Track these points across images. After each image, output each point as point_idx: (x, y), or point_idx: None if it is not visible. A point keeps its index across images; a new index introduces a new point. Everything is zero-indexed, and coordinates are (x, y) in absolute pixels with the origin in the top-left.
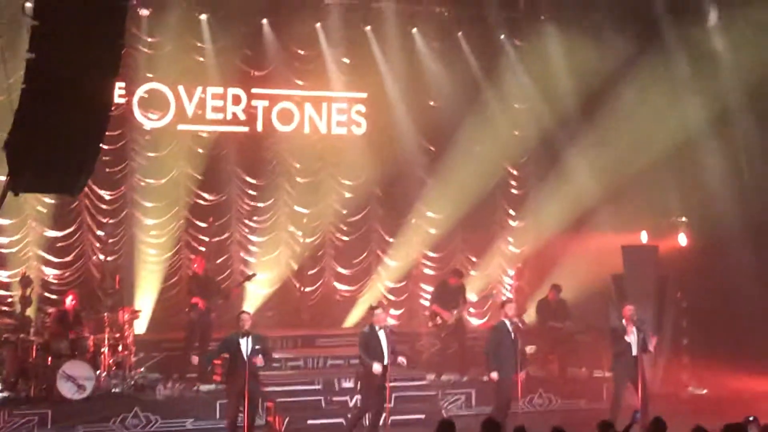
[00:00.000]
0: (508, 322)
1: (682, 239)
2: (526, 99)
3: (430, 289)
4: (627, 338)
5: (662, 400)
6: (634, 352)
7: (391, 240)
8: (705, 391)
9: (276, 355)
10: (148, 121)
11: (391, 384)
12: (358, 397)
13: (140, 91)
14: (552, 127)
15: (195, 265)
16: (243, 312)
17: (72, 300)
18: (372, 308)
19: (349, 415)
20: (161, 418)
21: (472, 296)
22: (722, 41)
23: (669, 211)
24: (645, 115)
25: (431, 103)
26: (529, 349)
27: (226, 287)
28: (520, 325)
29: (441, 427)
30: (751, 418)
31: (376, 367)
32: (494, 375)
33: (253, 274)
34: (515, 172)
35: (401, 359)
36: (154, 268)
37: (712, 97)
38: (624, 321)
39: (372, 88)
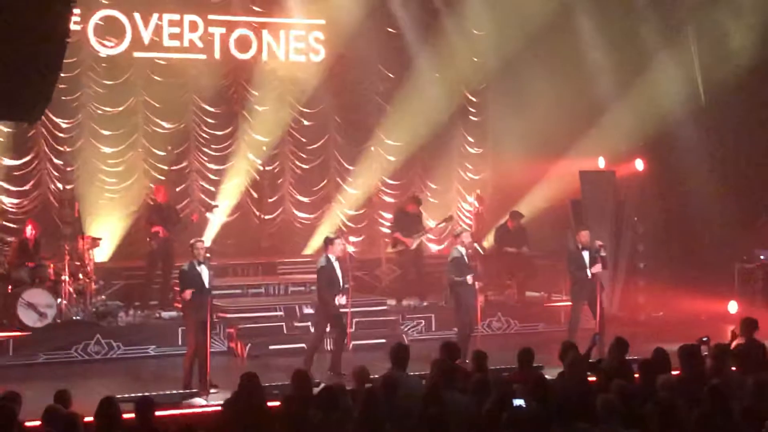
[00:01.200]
0: (462, 250)
1: (639, 164)
2: (485, 25)
3: (390, 216)
4: (582, 262)
5: (619, 322)
6: (590, 275)
7: (350, 167)
8: (661, 314)
9: (237, 282)
10: (103, 49)
11: (352, 309)
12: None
13: (95, 18)
14: (511, 54)
15: (157, 194)
16: (197, 240)
17: (32, 229)
18: (328, 239)
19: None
20: (123, 345)
21: (430, 222)
22: None
23: (626, 137)
24: (603, 41)
25: (390, 29)
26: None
27: (186, 215)
28: (480, 250)
29: (395, 349)
30: (704, 339)
31: (340, 301)
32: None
33: (216, 205)
34: (474, 99)
35: (341, 300)
36: (113, 196)
37: (668, 21)
38: (580, 245)
39: (330, 15)
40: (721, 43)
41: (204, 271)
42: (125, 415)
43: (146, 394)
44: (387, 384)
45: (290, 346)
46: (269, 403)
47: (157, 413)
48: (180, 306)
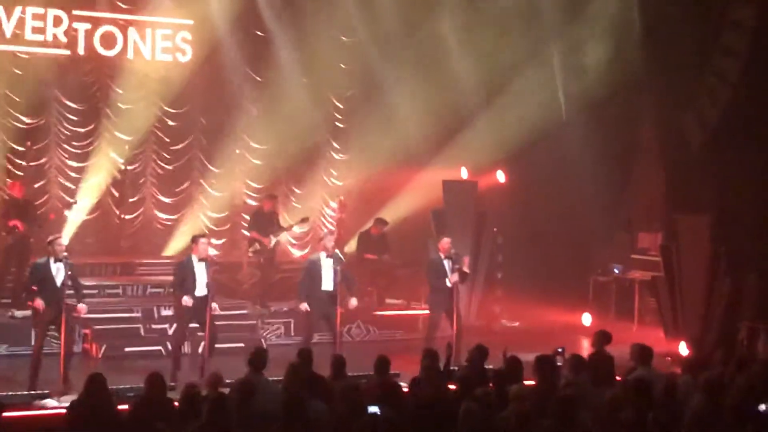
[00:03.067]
0: (324, 255)
1: (501, 176)
2: (353, 32)
3: None
4: (443, 270)
5: (476, 331)
6: (449, 283)
7: (214, 169)
8: (517, 324)
9: (94, 282)
10: None
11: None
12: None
13: None
14: (378, 62)
15: (13, 189)
16: (57, 237)
17: None
18: (196, 238)
19: (168, 345)
20: None
21: (288, 222)
22: None
23: (489, 148)
24: (468, 53)
25: (258, 32)
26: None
27: (43, 213)
28: (340, 258)
29: (253, 353)
30: (559, 350)
31: (186, 300)
32: (303, 306)
33: (74, 202)
34: (341, 105)
35: (215, 305)
36: None
37: (534, 35)
38: (441, 253)
39: (198, 15)
40: (580, 58)
41: (61, 270)
42: None
43: None
44: (243, 389)
45: (147, 348)
46: (121, 407)
47: (5, 414)
48: (32, 305)
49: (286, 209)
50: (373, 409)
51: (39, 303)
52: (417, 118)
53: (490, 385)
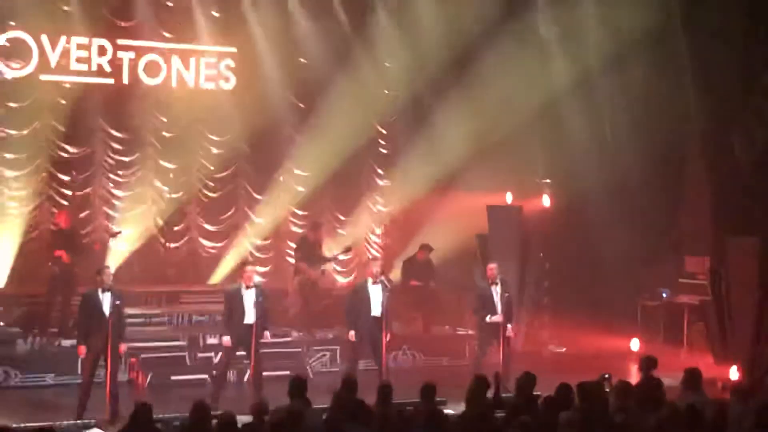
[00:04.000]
0: (370, 281)
1: (546, 200)
2: (396, 58)
3: None
4: (490, 296)
5: (523, 357)
6: (498, 310)
7: (258, 197)
8: (564, 350)
9: (139, 311)
10: (9, 71)
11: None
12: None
13: (1, 39)
14: (421, 87)
15: (59, 219)
16: (105, 267)
17: None
18: (243, 264)
19: (214, 372)
20: (21, 373)
21: (333, 252)
22: (589, 4)
23: (534, 172)
24: (513, 77)
25: (301, 59)
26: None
27: (88, 243)
28: (387, 284)
29: (293, 381)
30: (606, 376)
31: (226, 340)
32: (351, 335)
33: (119, 232)
34: (384, 131)
35: (267, 334)
36: (14, 221)
37: (578, 59)
38: (488, 279)
39: (242, 43)
40: (625, 79)
41: (106, 299)
42: None
43: (44, 424)
44: (292, 416)
45: (193, 377)
46: None
47: None
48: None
49: (332, 236)
50: None
51: (82, 350)
52: (461, 142)
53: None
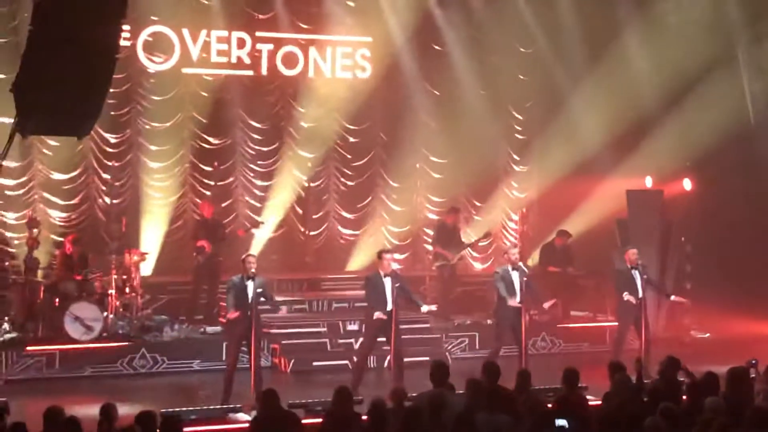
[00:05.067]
0: (510, 268)
1: (687, 184)
2: (531, 43)
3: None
4: (632, 281)
5: (665, 343)
6: (640, 294)
7: (395, 184)
8: (708, 335)
9: (280, 298)
10: (152, 65)
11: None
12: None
13: (145, 34)
14: (557, 72)
15: (203, 209)
16: (249, 255)
17: (71, 244)
18: (381, 253)
19: (354, 358)
20: (168, 359)
21: (471, 237)
22: None
23: (674, 156)
24: (650, 58)
25: (436, 47)
26: (547, 305)
27: (231, 231)
28: (525, 270)
29: (435, 367)
30: (753, 362)
31: (378, 314)
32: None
33: (262, 222)
34: (520, 117)
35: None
36: (159, 211)
37: (718, 37)
38: (628, 264)
39: (377, 32)
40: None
41: (250, 286)
42: None
43: (180, 409)
44: (433, 402)
45: (333, 363)
46: (310, 420)
47: (191, 429)
48: (224, 321)
49: (468, 222)
50: (561, 422)
51: (232, 314)
52: (598, 126)
53: (684, 397)
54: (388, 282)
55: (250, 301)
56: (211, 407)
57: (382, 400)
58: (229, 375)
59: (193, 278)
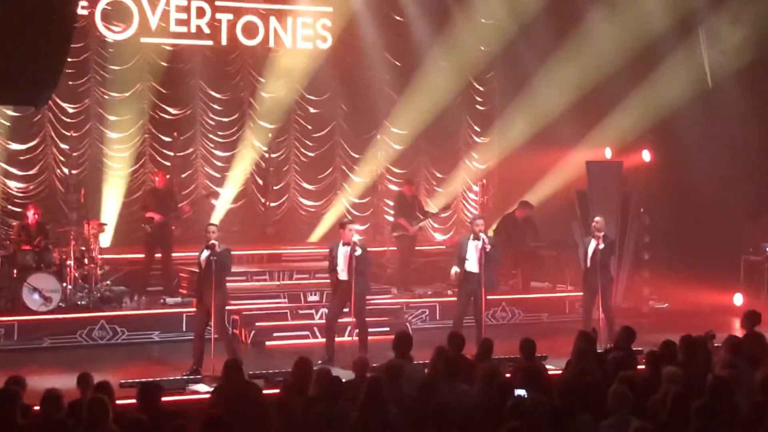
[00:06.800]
0: (471, 237)
1: (646, 155)
2: (492, 14)
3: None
4: (592, 250)
5: (624, 313)
6: (588, 264)
7: (356, 155)
8: (666, 305)
9: (242, 269)
10: (111, 34)
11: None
12: (323, 310)
13: (103, 3)
14: (517, 43)
15: (156, 179)
16: (209, 224)
17: (33, 214)
18: (345, 223)
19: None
20: (127, 331)
21: (432, 208)
22: None
23: (633, 127)
24: (610, 30)
25: (397, 17)
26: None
27: (179, 207)
28: (486, 239)
29: (397, 338)
30: (712, 333)
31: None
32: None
33: (218, 193)
34: (480, 88)
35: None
36: (118, 182)
37: (678, 7)
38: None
39: (337, 2)
40: (725, 26)
41: (204, 254)
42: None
43: (152, 379)
44: (390, 371)
45: (294, 333)
46: (269, 391)
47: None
48: (185, 292)
49: (429, 193)
50: (520, 392)
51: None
52: (559, 98)
53: (641, 367)
54: (343, 250)
55: (212, 272)
56: (171, 378)
57: (327, 369)
58: (197, 345)
59: (144, 249)
